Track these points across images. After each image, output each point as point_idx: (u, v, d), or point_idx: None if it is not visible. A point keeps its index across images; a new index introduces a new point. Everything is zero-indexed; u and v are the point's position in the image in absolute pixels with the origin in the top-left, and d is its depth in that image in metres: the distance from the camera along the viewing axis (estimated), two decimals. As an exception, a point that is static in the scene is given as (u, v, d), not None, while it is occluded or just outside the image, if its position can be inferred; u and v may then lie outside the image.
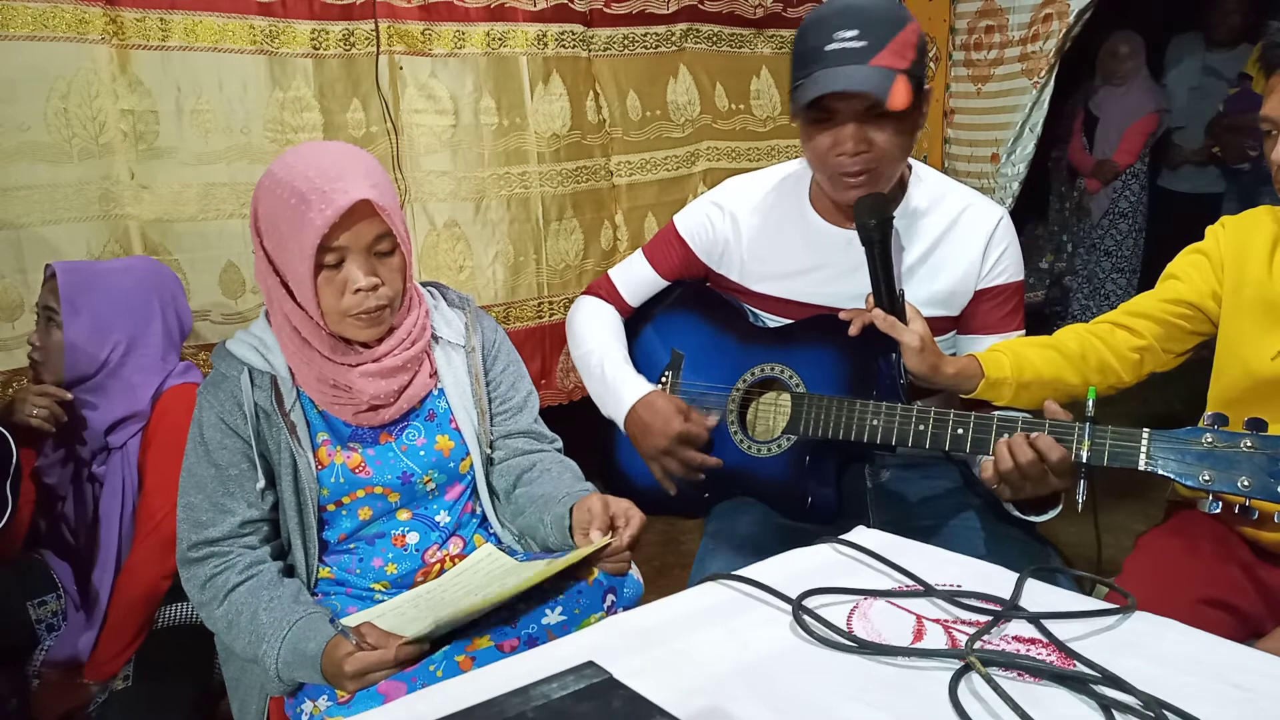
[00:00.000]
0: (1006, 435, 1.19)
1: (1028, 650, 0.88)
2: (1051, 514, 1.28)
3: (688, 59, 2.76)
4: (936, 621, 0.94)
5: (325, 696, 1.14)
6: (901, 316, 1.32)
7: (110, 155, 1.88)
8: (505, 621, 1.14)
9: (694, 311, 1.63)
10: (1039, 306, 4.64)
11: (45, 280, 1.63)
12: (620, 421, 1.54)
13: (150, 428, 1.65)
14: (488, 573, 1.27)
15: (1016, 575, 1.01)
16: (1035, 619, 0.92)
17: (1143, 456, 1.10)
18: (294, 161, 1.17)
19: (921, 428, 1.26)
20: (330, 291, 1.19)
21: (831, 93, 1.28)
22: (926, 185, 1.49)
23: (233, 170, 2.02)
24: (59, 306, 1.58)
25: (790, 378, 1.45)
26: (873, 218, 1.31)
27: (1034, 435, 1.16)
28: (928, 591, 0.99)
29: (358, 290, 1.18)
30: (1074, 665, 0.84)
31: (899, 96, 1.28)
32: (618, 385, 1.54)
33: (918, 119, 1.37)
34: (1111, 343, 1.40)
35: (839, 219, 1.48)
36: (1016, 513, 1.29)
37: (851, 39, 1.28)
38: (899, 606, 0.97)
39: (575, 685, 0.65)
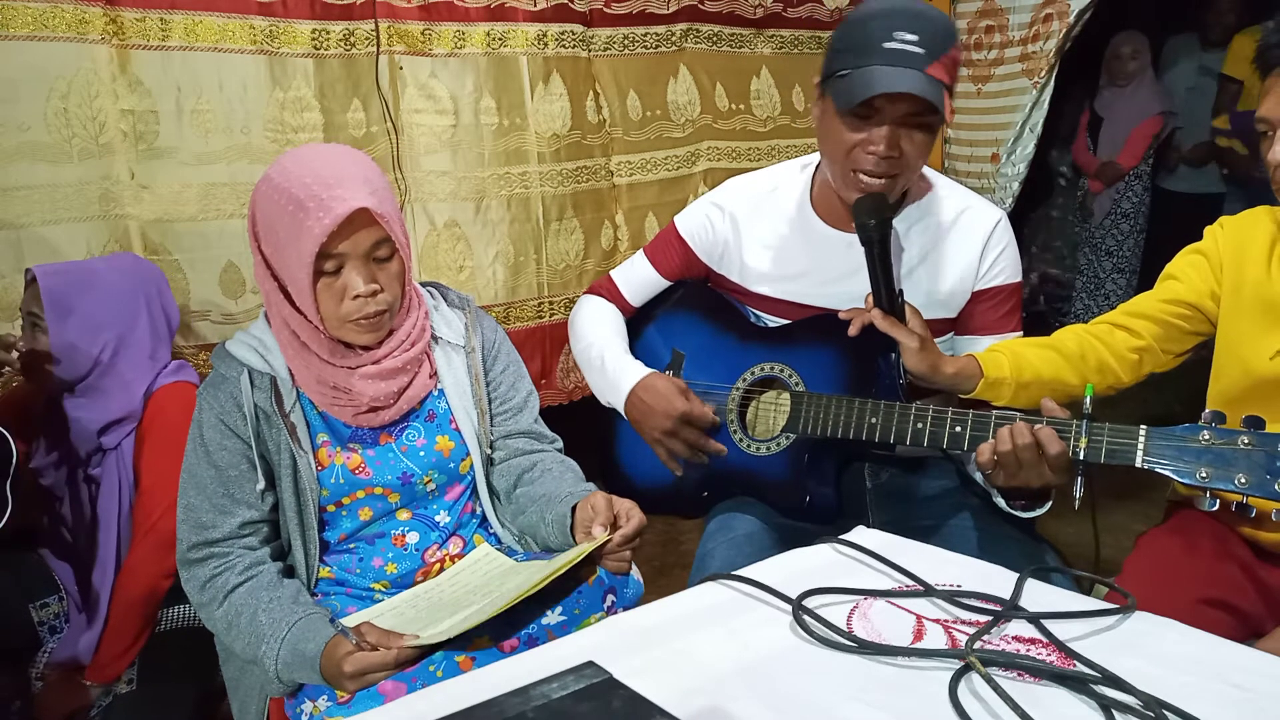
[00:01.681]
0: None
1: (1028, 650, 0.88)
2: (1039, 510, 1.28)
3: (688, 59, 2.76)
4: (936, 621, 0.94)
5: (325, 697, 1.14)
6: (901, 316, 1.32)
7: (110, 155, 1.88)
8: (505, 622, 1.14)
9: (695, 311, 1.63)
10: (1039, 306, 4.64)
11: (26, 285, 1.61)
12: (621, 407, 1.54)
13: (144, 427, 1.64)
14: (486, 572, 1.27)
15: (1016, 575, 1.01)
16: (1035, 619, 0.92)
17: (1140, 453, 1.10)
18: (291, 167, 1.16)
19: (920, 426, 1.26)
20: (329, 298, 1.18)
21: (885, 93, 1.26)
22: (925, 187, 1.49)
23: (233, 170, 2.02)
24: (42, 311, 1.57)
25: (790, 377, 1.45)
26: (872, 217, 1.31)
27: (1036, 426, 1.16)
28: (928, 591, 0.99)
29: (356, 296, 1.18)
30: (1074, 665, 0.84)
31: (946, 111, 1.28)
32: (617, 373, 1.55)
33: (936, 135, 1.37)
34: (1110, 343, 1.40)
35: (839, 222, 1.48)
36: (1003, 502, 1.29)
37: (911, 43, 1.26)
38: (899, 606, 0.97)
39: (575, 685, 0.65)
